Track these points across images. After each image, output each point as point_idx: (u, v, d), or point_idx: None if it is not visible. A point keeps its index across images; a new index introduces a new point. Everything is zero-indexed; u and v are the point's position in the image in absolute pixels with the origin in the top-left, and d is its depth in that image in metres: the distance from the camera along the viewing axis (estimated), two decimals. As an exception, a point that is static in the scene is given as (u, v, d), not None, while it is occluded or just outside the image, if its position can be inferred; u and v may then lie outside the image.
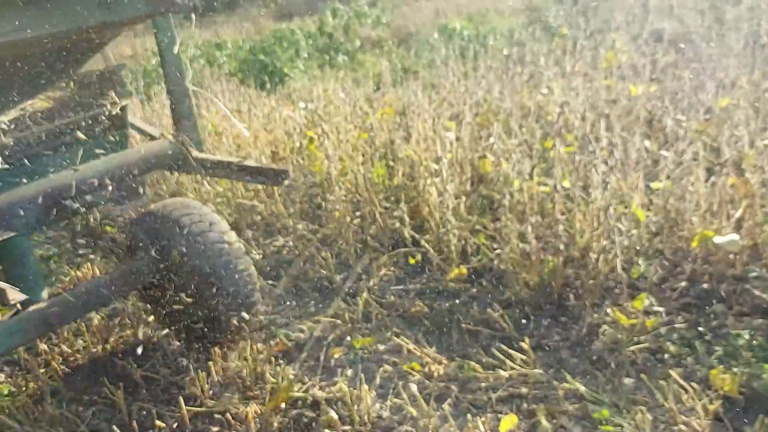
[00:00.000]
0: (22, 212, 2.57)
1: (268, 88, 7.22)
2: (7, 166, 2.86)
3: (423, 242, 3.47)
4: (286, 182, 2.92)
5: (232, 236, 2.80)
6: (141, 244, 2.84)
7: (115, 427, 2.37)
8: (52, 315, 2.43)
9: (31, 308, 2.43)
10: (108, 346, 3.16)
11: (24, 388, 2.91)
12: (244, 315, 2.71)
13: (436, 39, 9.38)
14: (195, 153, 3.17)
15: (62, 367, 3.03)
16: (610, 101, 4.53)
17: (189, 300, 2.72)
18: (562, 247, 3.03)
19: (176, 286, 2.75)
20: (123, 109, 3.33)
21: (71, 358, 3.11)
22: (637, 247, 3.11)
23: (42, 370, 2.99)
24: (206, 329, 2.78)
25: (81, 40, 2.95)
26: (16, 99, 3.25)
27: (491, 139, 3.96)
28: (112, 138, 3.33)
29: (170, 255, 2.72)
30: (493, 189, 3.86)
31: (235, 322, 2.70)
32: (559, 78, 5.11)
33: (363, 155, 4.20)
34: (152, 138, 3.42)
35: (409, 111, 4.73)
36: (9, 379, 3.04)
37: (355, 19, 10.20)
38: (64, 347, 3.15)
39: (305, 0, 15.07)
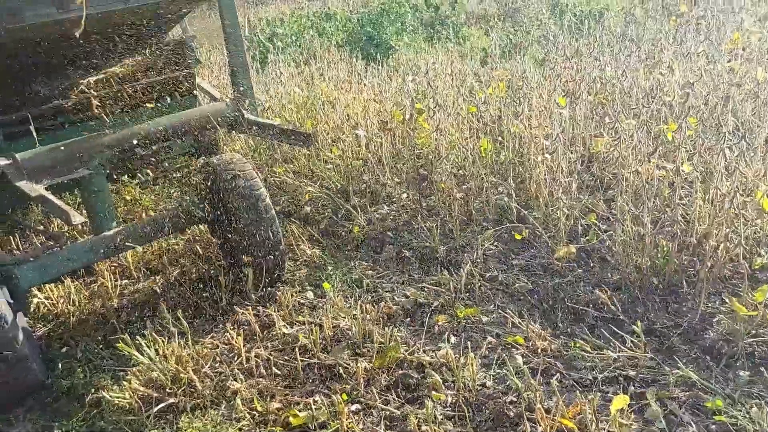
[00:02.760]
0: (101, 154, 3.10)
1: (376, 60, 7.30)
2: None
3: (531, 219, 3.46)
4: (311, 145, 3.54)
5: (263, 192, 3.19)
6: (198, 189, 3.36)
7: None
8: (117, 241, 2.99)
9: (103, 234, 3.02)
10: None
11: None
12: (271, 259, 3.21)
13: (545, 14, 9.14)
14: (247, 115, 3.65)
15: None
16: (735, 84, 4.29)
17: (234, 240, 3.19)
18: (678, 232, 2.94)
19: (223, 227, 3.27)
20: (192, 74, 3.84)
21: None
22: (761, 238, 2.98)
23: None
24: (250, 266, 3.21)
25: (159, 14, 3.27)
26: (103, 63, 3.62)
27: (606, 119, 3.86)
28: (181, 99, 3.76)
29: (217, 200, 3.21)
30: (604, 169, 3.78)
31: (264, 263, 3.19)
32: (680, 58, 4.87)
33: (471, 129, 4.21)
34: (215, 100, 3.78)
35: (518, 86, 4.68)
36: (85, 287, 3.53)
37: (463, -9, 10.07)
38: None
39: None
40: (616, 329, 2.71)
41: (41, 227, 4.05)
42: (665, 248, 3.00)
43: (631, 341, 2.60)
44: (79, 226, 3.71)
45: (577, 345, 2.65)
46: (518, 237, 3.47)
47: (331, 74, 5.81)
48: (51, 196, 2.60)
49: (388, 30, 8.44)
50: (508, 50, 7.41)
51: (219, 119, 3.61)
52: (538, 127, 3.76)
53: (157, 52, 3.81)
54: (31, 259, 2.76)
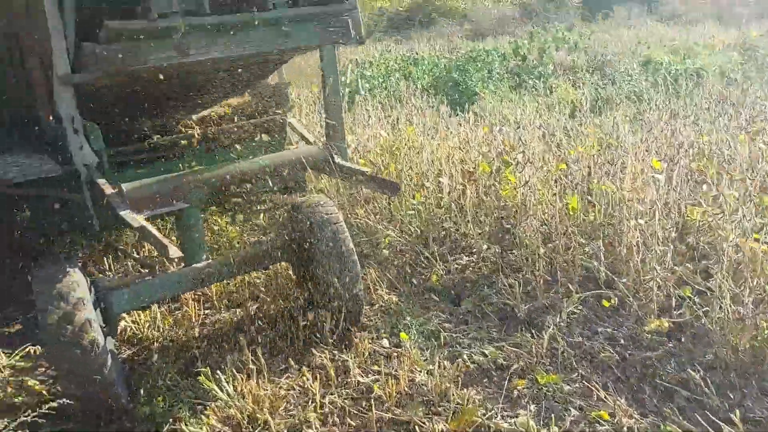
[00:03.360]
0: (199, 190, 3.16)
1: (461, 105, 7.34)
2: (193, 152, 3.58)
3: (620, 285, 3.33)
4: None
5: (348, 238, 3.25)
6: (283, 227, 3.46)
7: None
8: (206, 274, 3.11)
9: (193, 265, 3.13)
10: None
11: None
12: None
13: (636, 70, 8.97)
14: (338, 160, 3.71)
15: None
16: None
17: (315, 281, 3.25)
18: (784, 316, 2.76)
19: (304, 268, 3.36)
20: (285, 118, 3.98)
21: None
22: None
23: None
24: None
25: (266, 60, 3.41)
26: (206, 104, 3.79)
27: (704, 187, 3.71)
28: (273, 140, 3.94)
29: (301, 240, 3.30)
30: (701, 239, 3.61)
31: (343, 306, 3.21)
32: (786, 126, 4.65)
33: (558, 185, 4.13)
34: (308, 143, 3.96)
35: (609, 143, 4.57)
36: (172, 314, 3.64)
37: (552, 42, 10.03)
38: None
39: (498, 21, 15.13)
40: (709, 414, 2.54)
41: (134, 252, 4.23)
42: (767, 331, 2.82)
43: (729, 430, 2.43)
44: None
45: (668, 429, 2.50)
46: (606, 304, 3.34)
47: (417, 120, 5.86)
48: (151, 228, 2.70)
49: (474, 77, 8.49)
50: (598, 105, 7.29)
51: (311, 162, 3.69)
52: (632, 190, 3.65)
53: (257, 94, 3.98)
54: (126, 285, 2.87)
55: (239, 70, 3.50)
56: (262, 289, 3.82)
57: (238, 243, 4.48)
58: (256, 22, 2.98)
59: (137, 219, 2.78)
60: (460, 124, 5.58)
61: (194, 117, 3.82)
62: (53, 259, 2.85)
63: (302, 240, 3.32)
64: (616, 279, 3.40)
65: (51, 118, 3.17)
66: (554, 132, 4.85)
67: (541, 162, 4.41)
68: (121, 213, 2.84)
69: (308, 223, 3.28)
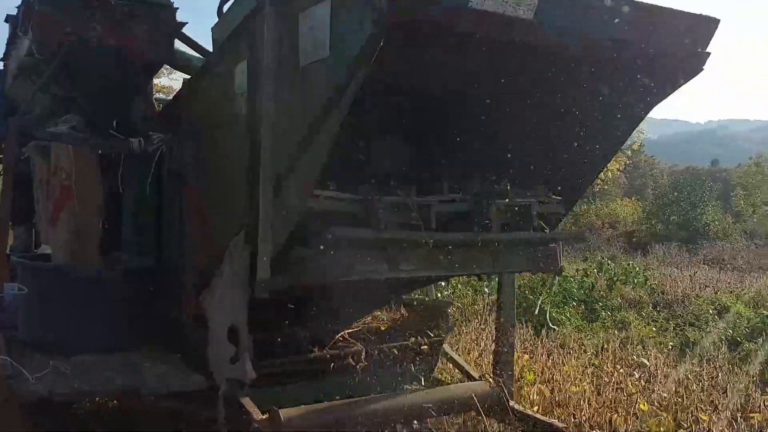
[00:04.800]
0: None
1: (545, 327, 6.97)
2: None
3: None
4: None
5: None
6: None
7: None
8: None
9: None
10: None
11: None
12: None
13: (710, 314, 8.76)
14: (512, 403, 3.21)
15: None
16: None
17: None
18: None
19: None
20: (440, 342, 3.50)
21: None
22: None
23: None
24: None
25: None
26: (357, 315, 3.43)
27: None
28: (422, 366, 3.44)
29: None
30: None
31: None
32: None
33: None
34: (469, 377, 3.47)
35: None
36: None
37: (621, 276, 9.98)
38: None
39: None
40: None
41: None
42: None
43: None
44: None
45: None
46: None
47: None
48: None
49: (549, 300, 8.24)
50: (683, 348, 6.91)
51: (480, 402, 3.18)
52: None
53: (413, 310, 3.65)
54: None
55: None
56: None
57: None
58: (479, 244, 2.76)
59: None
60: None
61: (346, 332, 3.44)
62: None
63: None
64: None
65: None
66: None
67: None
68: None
69: None
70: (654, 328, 8.01)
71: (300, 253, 2.47)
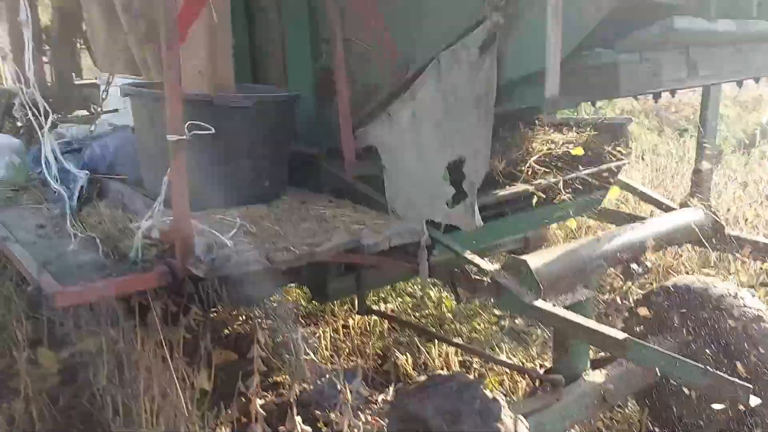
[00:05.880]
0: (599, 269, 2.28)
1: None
2: None
3: None
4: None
5: None
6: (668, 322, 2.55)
7: None
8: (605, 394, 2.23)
9: (581, 384, 2.25)
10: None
11: None
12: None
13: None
14: (728, 230, 2.86)
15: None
16: None
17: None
18: None
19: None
20: (619, 167, 2.96)
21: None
22: None
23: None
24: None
25: None
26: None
27: None
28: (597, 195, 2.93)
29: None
30: None
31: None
32: None
33: None
34: (659, 205, 3.10)
35: None
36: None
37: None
38: None
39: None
40: None
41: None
42: None
43: None
44: None
45: None
46: None
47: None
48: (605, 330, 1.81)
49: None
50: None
51: (694, 232, 2.75)
52: None
53: (597, 130, 3.00)
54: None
55: None
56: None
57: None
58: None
59: (573, 317, 1.90)
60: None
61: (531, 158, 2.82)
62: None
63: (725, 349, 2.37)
64: None
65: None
66: None
67: None
68: (535, 303, 1.98)
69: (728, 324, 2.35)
70: None
71: (598, 60, 1.87)
